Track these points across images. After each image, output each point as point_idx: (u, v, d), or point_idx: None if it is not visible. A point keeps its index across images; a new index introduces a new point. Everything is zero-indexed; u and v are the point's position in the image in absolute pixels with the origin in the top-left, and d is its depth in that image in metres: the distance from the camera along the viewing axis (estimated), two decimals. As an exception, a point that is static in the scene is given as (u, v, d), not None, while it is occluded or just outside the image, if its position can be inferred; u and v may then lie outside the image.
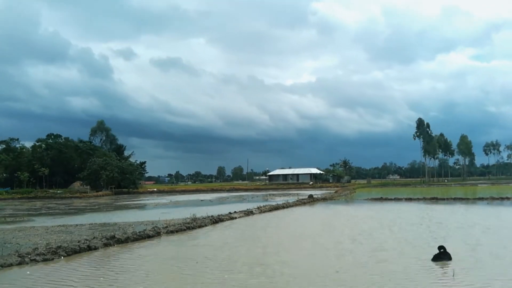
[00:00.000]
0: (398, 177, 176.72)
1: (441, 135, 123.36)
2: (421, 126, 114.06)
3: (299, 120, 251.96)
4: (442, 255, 9.75)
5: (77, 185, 75.57)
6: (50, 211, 34.26)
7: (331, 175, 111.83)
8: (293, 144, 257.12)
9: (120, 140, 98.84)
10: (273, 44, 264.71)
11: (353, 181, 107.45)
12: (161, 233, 15.25)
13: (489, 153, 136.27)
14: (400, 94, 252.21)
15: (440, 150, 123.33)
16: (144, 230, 15.37)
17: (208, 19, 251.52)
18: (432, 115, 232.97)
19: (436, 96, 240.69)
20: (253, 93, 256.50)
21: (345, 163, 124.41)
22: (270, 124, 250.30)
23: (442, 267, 9.15)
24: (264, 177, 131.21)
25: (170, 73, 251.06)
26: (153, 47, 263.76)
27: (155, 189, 79.98)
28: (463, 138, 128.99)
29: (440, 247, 9.98)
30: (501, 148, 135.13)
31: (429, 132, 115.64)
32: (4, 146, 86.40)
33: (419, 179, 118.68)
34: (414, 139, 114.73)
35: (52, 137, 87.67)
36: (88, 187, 69.05)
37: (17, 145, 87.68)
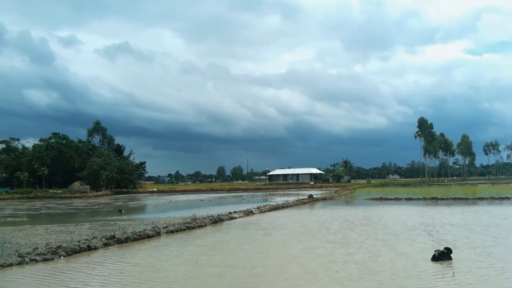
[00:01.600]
0: (398, 177, 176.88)
1: (441, 134, 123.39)
2: (423, 126, 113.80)
3: (283, 116, 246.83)
4: (441, 256, 9.77)
5: (77, 185, 75.55)
6: (50, 211, 34.25)
7: (331, 175, 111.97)
8: (283, 143, 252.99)
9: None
10: (239, 32, 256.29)
11: (353, 181, 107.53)
12: (161, 233, 15.25)
13: (489, 153, 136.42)
14: (386, 88, 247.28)
15: (441, 150, 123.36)
16: (144, 230, 15.37)
17: (166, 5, 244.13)
18: (421, 109, 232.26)
19: (422, 90, 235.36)
20: (228, 86, 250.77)
21: (346, 163, 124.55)
22: (254, 120, 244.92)
23: (442, 267, 9.14)
24: (264, 177, 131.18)
25: (132, 63, 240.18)
26: (108, 34, 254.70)
27: (155, 189, 79.97)
28: (464, 138, 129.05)
29: (446, 249, 9.99)
30: (500, 148, 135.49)
31: (432, 132, 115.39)
32: (4, 146, 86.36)
33: (419, 179, 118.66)
34: (415, 138, 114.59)
35: (57, 136, 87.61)
36: (88, 187, 69.05)
37: (18, 145, 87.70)
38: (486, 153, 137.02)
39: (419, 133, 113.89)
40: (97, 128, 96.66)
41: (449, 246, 10.21)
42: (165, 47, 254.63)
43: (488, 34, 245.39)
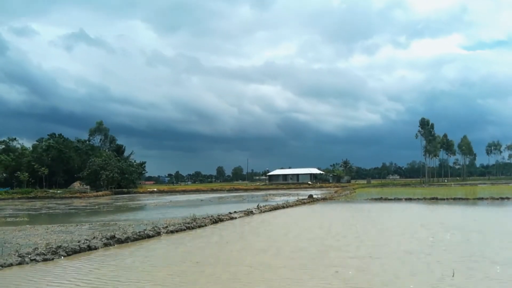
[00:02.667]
0: (398, 177, 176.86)
1: (445, 135, 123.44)
2: (425, 126, 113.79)
3: (270, 114, 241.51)
4: None
5: (77, 185, 75.64)
6: (50, 211, 34.25)
7: (331, 175, 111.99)
8: (277, 142, 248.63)
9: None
10: (214, 23, 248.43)
11: (353, 181, 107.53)
12: (161, 233, 15.24)
13: (490, 153, 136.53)
14: (374, 84, 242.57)
15: (442, 149, 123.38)
16: (144, 230, 15.37)
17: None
18: (409, 106, 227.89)
19: (412, 86, 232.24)
20: (206, 80, 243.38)
21: (345, 163, 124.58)
22: (241, 117, 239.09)
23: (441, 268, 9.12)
24: (264, 177, 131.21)
25: (99, 55, 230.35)
26: (66, 24, 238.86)
27: (155, 189, 79.96)
28: (464, 139, 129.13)
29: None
30: (499, 148, 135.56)
31: (432, 132, 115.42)
32: (3, 146, 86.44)
33: (419, 179, 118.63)
34: (416, 137, 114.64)
35: (55, 137, 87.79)
36: (88, 187, 69.09)
37: (17, 145, 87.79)
38: (488, 153, 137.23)
39: (421, 133, 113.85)
40: (100, 128, 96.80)
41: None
42: (135, 38, 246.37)
43: (479, 27, 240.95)
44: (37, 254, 10.97)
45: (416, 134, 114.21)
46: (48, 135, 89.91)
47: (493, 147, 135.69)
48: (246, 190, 77.01)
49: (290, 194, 53.35)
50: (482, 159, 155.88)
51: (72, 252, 11.63)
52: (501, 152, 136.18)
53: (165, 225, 16.93)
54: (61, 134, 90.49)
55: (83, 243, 12.51)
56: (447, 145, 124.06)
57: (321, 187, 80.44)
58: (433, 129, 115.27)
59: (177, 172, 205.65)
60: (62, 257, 11.12)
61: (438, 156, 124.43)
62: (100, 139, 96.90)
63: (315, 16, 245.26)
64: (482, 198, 31.43)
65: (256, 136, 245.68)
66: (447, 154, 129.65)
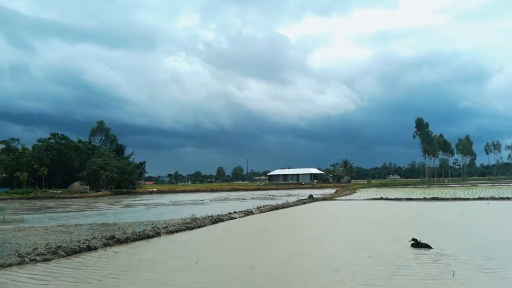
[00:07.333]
0: (398, 177, 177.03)
1: (441, 135, 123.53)
2: (421, 126, 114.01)
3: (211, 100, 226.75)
4: (419, 244, 10.81)
5: (76, 185, 75.60)
6: (49, 210, 34.23)
7: (331, 175, 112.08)
8: (247, 137, 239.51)
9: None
10: None
11: (353, 181, 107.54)
12: (161, 233, 15.22)
13: (489, 152, 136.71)
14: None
15: (440, 150, 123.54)
16: (144, 230, 15.33)
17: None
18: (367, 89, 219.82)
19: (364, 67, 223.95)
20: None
21: (345, 163, 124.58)
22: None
23: (435, 263, 9.08)
24: (264, 177, 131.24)
25: None
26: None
27: (155, 189, 79.97)
28: (462, 140, 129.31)
29: (413, 239, 11.07)
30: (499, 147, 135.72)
31: (429, 132, 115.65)
32: (4, 146, 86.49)
33: (419, 179, 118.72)
34: (414, 137, 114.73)
35: (57, 137, 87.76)
36: (88, 187, 69.08)
37: (18, 146, 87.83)
38: (487, 153, 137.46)
39: (417, 133, 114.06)
40: (101, 128, 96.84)
41: (415, 238, 11.14)
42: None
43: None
44: (37, 254, 10.95)
45: (414, 135, 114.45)
46: (50, 134, 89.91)
47: (492, 146, 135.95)
48: (246, 190, 77.03)
49: (290, 194, 53.33)
50: (482, 159, 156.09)
51: (72, 252, 11.60)
52: (500, 151, 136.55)
53: (164, 225, 16.89)
54: (63, 134, 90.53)
55: (83, 243, 12.48)
56: (444, 145, 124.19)
57: (321, 187, 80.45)
58: (427, 128, 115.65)
59: (177, 172, 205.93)
60: (62, 257, 11.10)
61: (437, 156, 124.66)
62: (101, 139, 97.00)
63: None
64: (482, 198, 31.41)
65: (212, 131, 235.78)
66: (444, 155, 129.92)
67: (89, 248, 12.19)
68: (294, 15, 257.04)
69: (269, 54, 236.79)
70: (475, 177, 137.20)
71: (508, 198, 30.33)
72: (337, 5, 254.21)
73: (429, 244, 10.83)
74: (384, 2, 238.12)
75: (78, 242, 12.83)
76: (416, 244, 10.92)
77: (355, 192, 48.74)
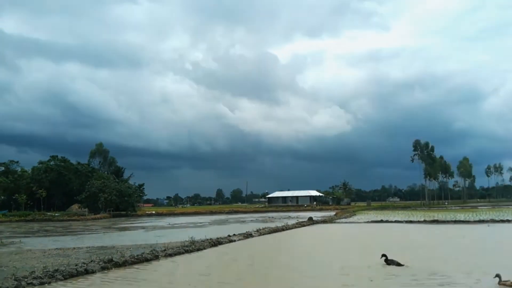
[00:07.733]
0: (398, 199, 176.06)
1: (441, 157, 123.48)
2: (420, 148, 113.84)
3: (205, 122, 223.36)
4: (390, 261, 11.53)
5: (75, 207, 75.07)
6: (48, 234, 33.93)
7: (330, 197, 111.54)
8: (244, 158, 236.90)
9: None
10: None
11: (353, 203, 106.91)
12: (159, 256, 15.11)
13: (490, 174, 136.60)
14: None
15: (440, 173, 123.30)
16: (142, 253, 15.22)
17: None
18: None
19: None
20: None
21: (345, 185, 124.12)
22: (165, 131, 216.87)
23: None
24: (263, 200, 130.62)
25: None
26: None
27: (154, 212, 79.44)
28: (462, 163, 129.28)
29: (383, 255, 11.75)
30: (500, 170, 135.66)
31: (432, 154, 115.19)
32: (3, 168, 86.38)
33: (419, 201, 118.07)
34: (412, 161, 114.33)
35: (57, 159, 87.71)
36: (86, 209, 68.56)
37: (17, 168, 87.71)
38: (488, 175, 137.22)
39: (417, 155, 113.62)
40: (99, 150, 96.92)
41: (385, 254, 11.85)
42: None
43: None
44: (34, 278, 10.86)
45: (411, 158, 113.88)
46: (50, 156, 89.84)
47: (493, 169, 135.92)
48: (245, 212, 76.50)
49: (289, 216, 52.96)
50: (482, 181, 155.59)
51: (69, 275, 11.50)
52: (502, 174, 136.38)
53: (163, 249, 16.77)
54: (63, 156, 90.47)
55: (80, 267, 12.38)
56: (445, 168, 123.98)
57: (321, 209, 79.92)
58: (432, 152, 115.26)
59: (176, 194, 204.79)
60: (59, 281, 11.00)
61: (438, 179, 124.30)
62: (99, 162, 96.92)
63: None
64: (483, 221, 31.26)
65: (210, 153, 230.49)
66: (444, 177, 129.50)
67: (87, 272, 12.09)
68: (284, 36, 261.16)
69: (259, 74, 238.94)
70: (478, 199, 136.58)
71: (508, 221, 30.23)
72: (327, 26, 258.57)
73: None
74: (377, 24, 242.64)
75: (76, 265, 12.73)
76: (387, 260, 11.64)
77: (355, 214, 48.47)
